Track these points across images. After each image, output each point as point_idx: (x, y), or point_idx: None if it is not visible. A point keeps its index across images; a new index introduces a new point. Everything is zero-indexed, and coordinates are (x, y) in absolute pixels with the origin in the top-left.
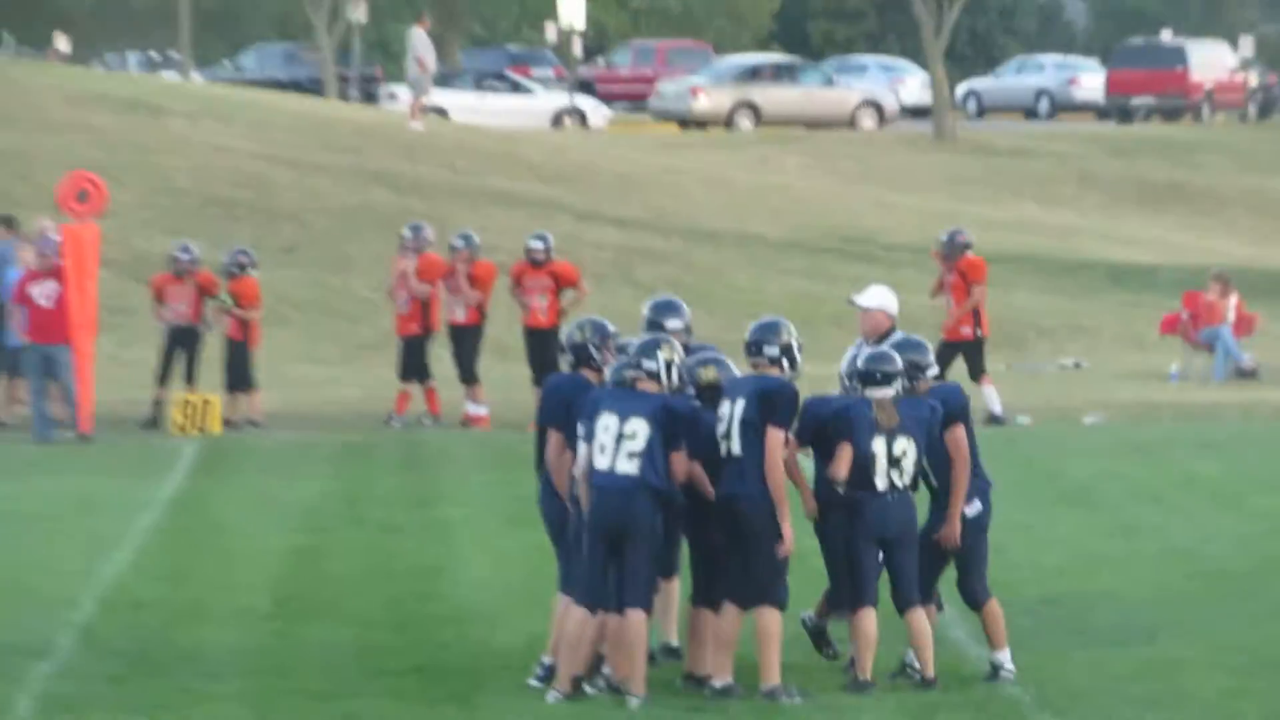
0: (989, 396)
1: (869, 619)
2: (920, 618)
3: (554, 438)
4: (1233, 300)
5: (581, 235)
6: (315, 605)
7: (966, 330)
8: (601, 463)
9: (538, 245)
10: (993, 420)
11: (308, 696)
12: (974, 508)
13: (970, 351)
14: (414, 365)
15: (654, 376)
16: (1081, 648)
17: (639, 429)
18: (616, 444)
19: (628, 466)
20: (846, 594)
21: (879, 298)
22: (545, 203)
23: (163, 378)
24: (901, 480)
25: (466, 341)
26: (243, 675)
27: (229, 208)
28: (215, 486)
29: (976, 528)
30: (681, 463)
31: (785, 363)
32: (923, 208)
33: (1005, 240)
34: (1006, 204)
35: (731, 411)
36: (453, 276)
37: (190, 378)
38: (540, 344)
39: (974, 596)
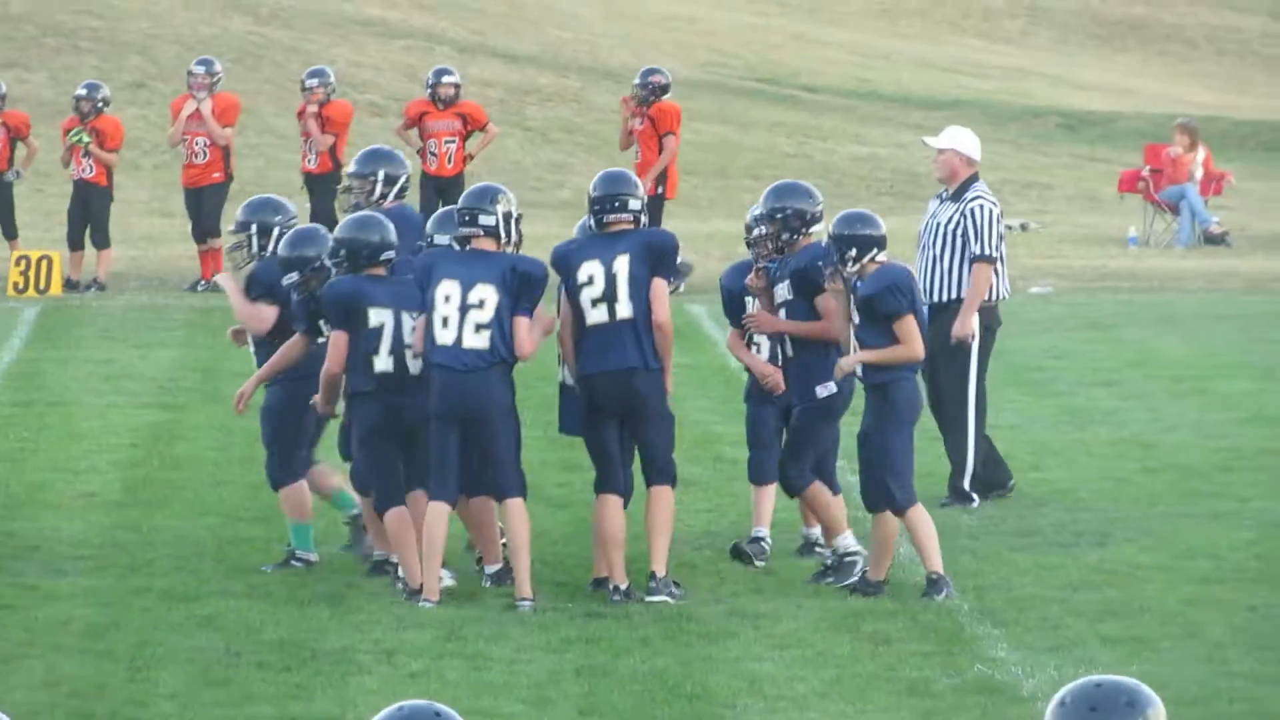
0: None
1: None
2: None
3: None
4: (1200, 155)
5: (465, 71)
6: (169, 492)
7: (649, 187)
8: (445, 338)
9: (450, 80)
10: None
11: (163, 596)
12: (827, 389)
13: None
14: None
15: (491, 233)
16: (1026, 551)
17: (486, 296)
18: (462, 316)
19: (476, 341)
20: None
21: (952, 137)
22: (425, 34)
23: None
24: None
25: (322, 192)
26: (90, 571)
27: (71, 37)
28: (57, 356)
29: (825, 411)
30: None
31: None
32: (852, 44)
33: (943, 83)
34: (946, 41)
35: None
36: (303, 118)
37: (10, 232)
38: (444, 195)
39: (788, 479)
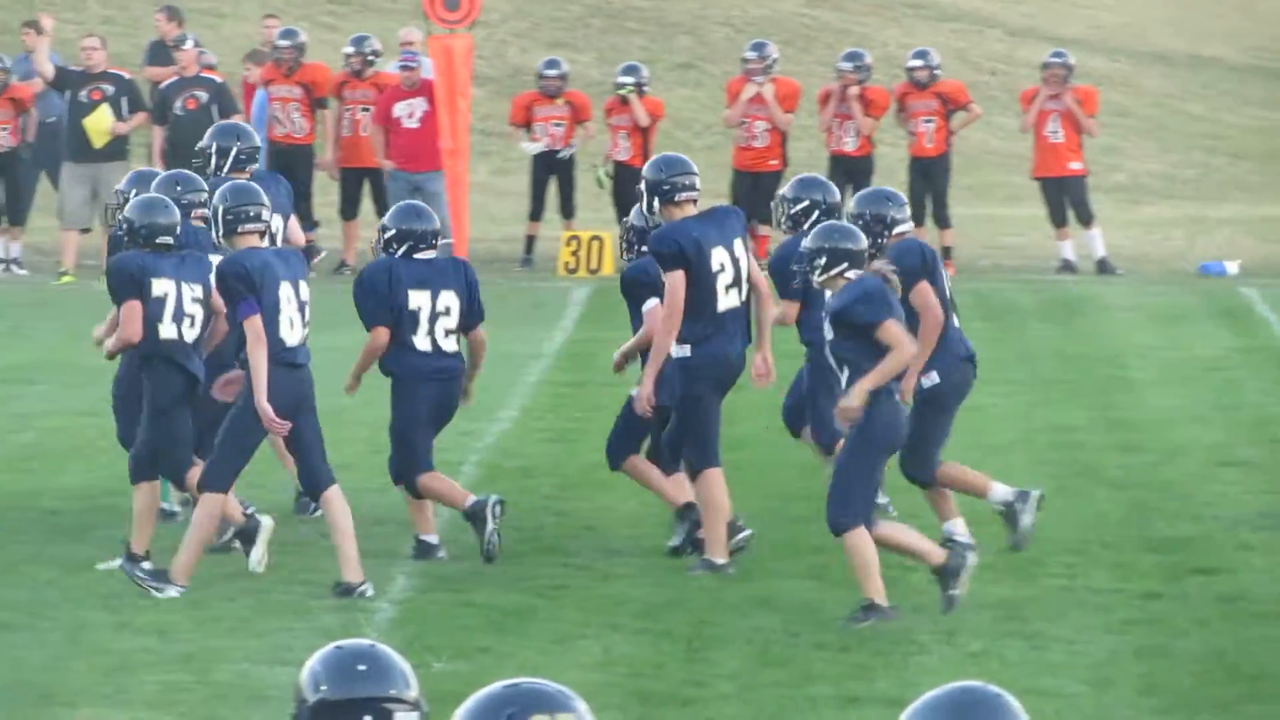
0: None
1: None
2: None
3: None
4: None
5: (1014, 55)
6: (728, 473)
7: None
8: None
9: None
10: None
11: (720, 576)
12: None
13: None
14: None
15: None
16: None
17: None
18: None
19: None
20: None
21: None
22: (975, 17)
23: (535, 212)
24: None
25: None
26: (646, 552)
27: (618, 18)
28: (608, 337)
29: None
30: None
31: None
32: None
33: None
34: None
35: None
36: (845, 100)
37: (568, 211)
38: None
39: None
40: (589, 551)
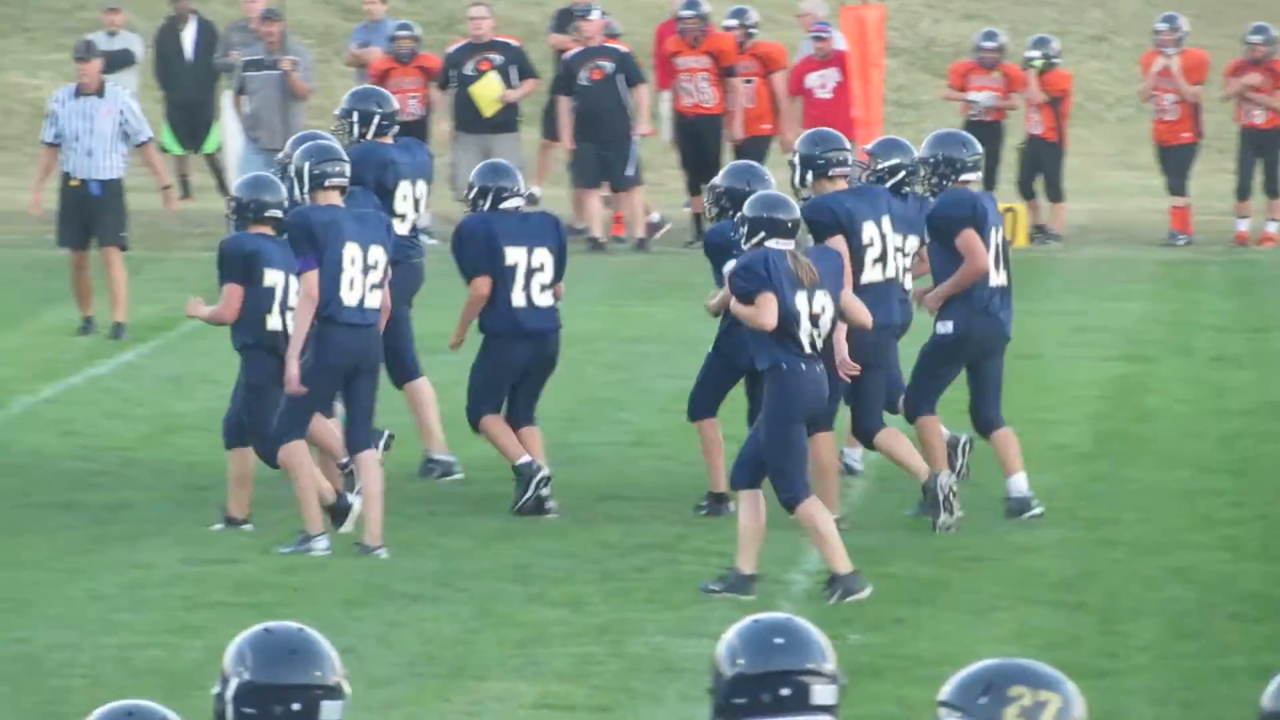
0: None
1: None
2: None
3: None
4: None
5: None
6: (1139, 445)
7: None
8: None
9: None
10: None
11: (1133, 549)
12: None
13: None
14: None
15: None
16: None
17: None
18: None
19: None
20: None
21: None
22: None
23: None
24: None
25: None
26: (1061, 523)
27: None
28: (1023, 308)
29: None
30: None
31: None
32: None
33: None
34: None
35: None
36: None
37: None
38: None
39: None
40: (1007, 524)
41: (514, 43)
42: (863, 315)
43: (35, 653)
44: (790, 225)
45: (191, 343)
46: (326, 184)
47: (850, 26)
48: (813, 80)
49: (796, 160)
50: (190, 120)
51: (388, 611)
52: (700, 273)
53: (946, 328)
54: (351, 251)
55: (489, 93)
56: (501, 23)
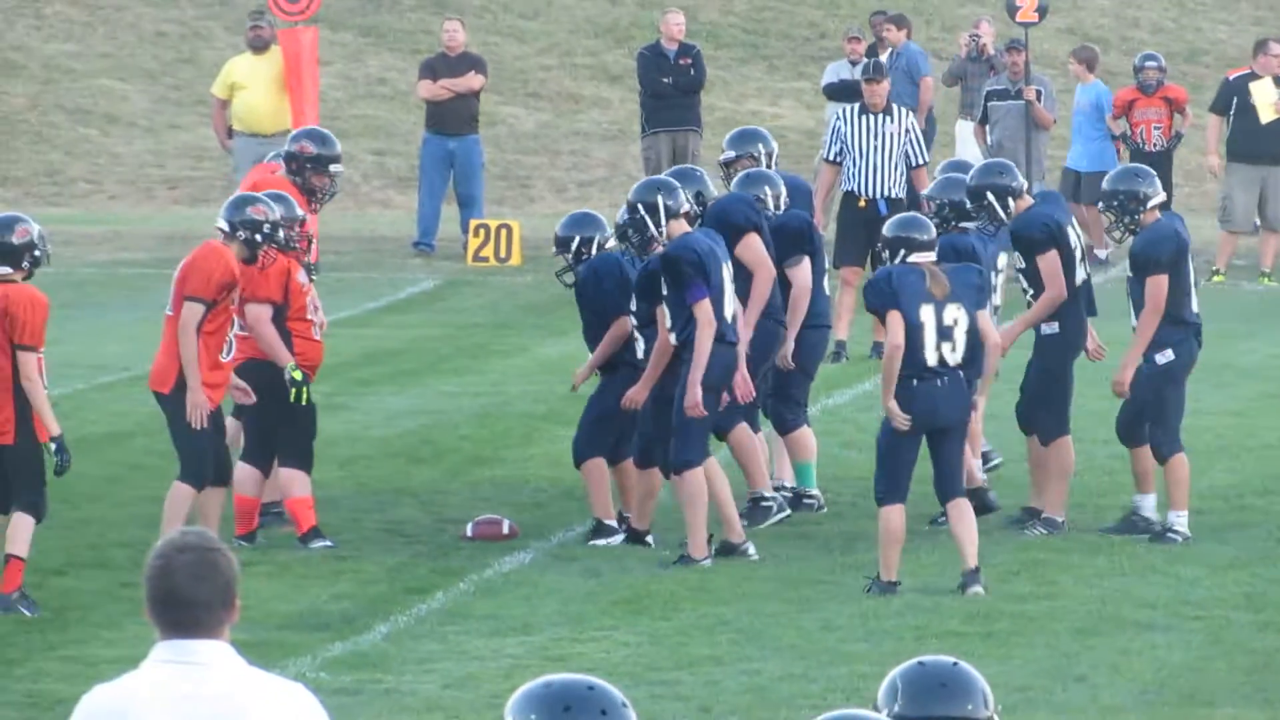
0: None
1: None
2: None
3: None
4: None
5: None
6: None
7: None
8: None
9: None
10: None
11: None
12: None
13: None
14: None
15: None
16: None
17: None
18: None
19: None
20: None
21: None
22: None
23: None
24: None
25: None
26: None
27: None
28: None
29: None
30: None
31: None
32: None
33: None
34: None
35: None
36: None
37: None
38: None
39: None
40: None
41: None
42: (991, 336)
43: (764, 684)
44: (925, 242)
45: None
46: (682, 212)
47: None
48: None
49: (990, 192)
50: None
51: (1119, 640)
52: None
53: (1167, 356)
54: (725, 273)
55: (1268, 97)
56: None
